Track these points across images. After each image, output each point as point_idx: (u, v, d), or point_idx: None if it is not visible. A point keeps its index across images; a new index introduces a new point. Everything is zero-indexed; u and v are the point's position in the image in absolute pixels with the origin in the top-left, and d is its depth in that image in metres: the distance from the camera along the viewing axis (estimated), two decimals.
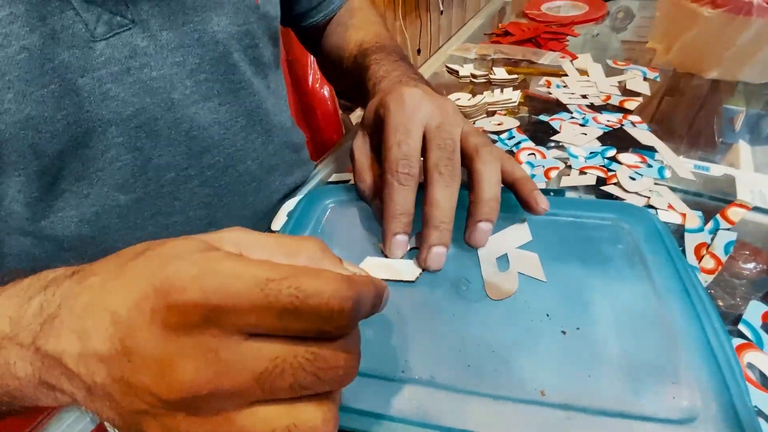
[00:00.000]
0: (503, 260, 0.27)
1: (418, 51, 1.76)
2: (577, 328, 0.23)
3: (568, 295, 0.25)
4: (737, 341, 0.25)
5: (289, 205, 0.37)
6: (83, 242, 0.34)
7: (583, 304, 0.24)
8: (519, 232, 0.28)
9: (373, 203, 0.31)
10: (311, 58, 0.85)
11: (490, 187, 0.25)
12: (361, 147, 0.30)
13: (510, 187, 0.28)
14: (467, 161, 0.27)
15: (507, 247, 0.28)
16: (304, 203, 0.33)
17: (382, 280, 0.19)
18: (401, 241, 0.26)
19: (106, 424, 0.16)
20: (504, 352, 0.22)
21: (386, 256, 0.27)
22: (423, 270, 0.26)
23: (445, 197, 0.25)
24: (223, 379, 0.13)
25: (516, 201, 0.29)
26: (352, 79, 0.42)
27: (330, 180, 0.44)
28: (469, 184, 0.27)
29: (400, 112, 0.26)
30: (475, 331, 0.23)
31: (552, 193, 0.31)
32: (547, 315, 0.24)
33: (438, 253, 0.25)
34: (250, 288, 0.13)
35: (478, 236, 0.26)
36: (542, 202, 0.27)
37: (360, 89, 0.38)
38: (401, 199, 0.25)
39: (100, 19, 0.28)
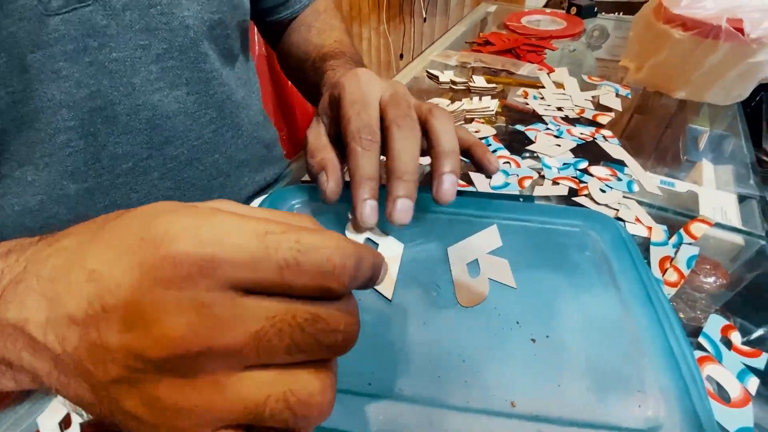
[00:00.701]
0: (474, 266, 0.27)
1: (401, 56, 1.77)
2: (547, 336, 0.23)
3: (538, 302, 0.25)
4: (697, 354, 0.26)
5: (254, 205, 0.36)
6: (25, 235, 0.31)
7: (552, 312, 0.24)
8: (489, 238, 0.28)
9: (324, 176, 0.28)
10: None
11: (449, 140, 0.25)
12: (314, 130, 0.29)
13: (464, 153, 0.28)
14: (423, 123, 0.26)
15: (478, 252, 0.27)
16: (268, 204, 0.31)
17: None
18: (372, 205, 0.25)
19: (70, 407, 0.14)
20: (474, 361, 0.22)
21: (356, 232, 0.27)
22: (392, 224, 0.25)
23: (405, 148, 0.24)
24: (216, 336, 0.12)
25: (486, 205, 0.29)
26: (307, 80, 0.42)
27: (304, 179, 0.42)
28: (428, 143, 0.26)
29: (355, 87, 0.26)
30: (446, 340, 0.23)
31: (521, 199, 0.31)
32: (518, 322, 0.23)
33: (404, 205, 0.24)
34: (248, 240, 0.12)
35: (445, 188, 0.24)
36: (494, 162, 0.28)
37: (314, 92, 0.38)
38: (366, 164, 0.24)
39: None
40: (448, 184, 0.25)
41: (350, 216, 0.27)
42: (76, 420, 0.22)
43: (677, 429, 0.19)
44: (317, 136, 0.29)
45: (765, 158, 0.82)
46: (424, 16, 1.61)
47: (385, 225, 0.28)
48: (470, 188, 0.37)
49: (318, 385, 0.13)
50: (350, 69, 0.36)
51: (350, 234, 0.27)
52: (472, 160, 0.28)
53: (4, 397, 0.24)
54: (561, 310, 0.24)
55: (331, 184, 0.26)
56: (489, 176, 0.27)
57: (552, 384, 0.20)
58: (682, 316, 0.30)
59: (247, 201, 0.42)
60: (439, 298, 0.25)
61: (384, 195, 0.25)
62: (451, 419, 0.19)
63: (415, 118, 0.25)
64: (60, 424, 0.22)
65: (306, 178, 0.42)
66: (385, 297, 0.25)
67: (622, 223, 0.35)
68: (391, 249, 0.27)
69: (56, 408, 0.22)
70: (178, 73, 0.33)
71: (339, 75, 0.34)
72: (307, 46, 0.44)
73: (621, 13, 0.92)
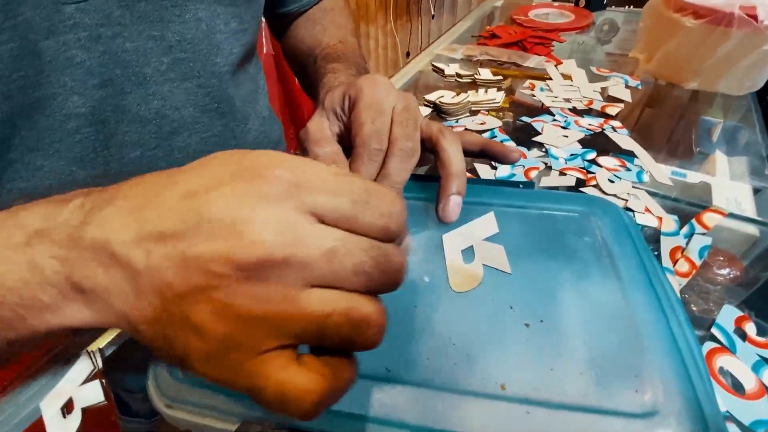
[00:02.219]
0: (469, 252, 0.26)
1: (407, 54, 1.77)
2: (541, 321, 0.22)
3: (534, 287, 0.24)
4: (710, 345, 0.25)
5: None
6: None
7: (548, 297, 0.23)
8: (486, 224, 0.28)
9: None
10: None
11: (457, 163, 0.26)
12: (317, 121, 0.29)
13: (480, 153, 0.29)
14: (432, 143, 0.27)
15: (473, 238, 0.27)
16: None
17: None
18: None
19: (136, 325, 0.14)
20: (465, 345, 0.21)
21: None
22: None
23: (398, 170, 0.25)
24: (297, 247, 0.13)
25: (482, 190, 0.29)
26: (308, 78, 0.42)
27: None
28: (437, 164, 0.27)
29: (374, 92, 0.27)
30: (436, 324, 0.22)
31: (521, 186, 0.31)
32: (511, 307, 0.23)
33: None
34: (328, 175, 0.15)
35: (450, 209, 0.26)
36: (514, 151, 0.28)
37: (313, 90, 0.39)
38: (366, 173, 0.26)
39: None
40: (454, 205, 0.26)
41: None
42: (78, 406, 0.22)
43: (676, 415, 0.18)
44: (321, 128, 0.28)
45: None
46: (433, 13, 1.60)
47: None
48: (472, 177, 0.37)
49: (375, 308, 0.15)
50: (353, 74, 0.36)
51: None
52: (490, 156, 0.29)
53: (8, 385, 0.24)
54: (557, 295, 0.23)
55: None
56: (512, 163, 0.28)
57: (544, 368, 0.20)
58: (694, 308, 0.29)
59: None
60: (432, 283, 0.25)
61: None
62: (438, 400, 0.19)
63: (417, 140, 0.26)
64: (62, 409, 0.22)
65: None
66: None
67: (631, 213, 0.34)
68: None
69: (59, 393, 0.23)
70: (189, 66, 0.33)
71: (341, 79, 0.35)
72: (312, 43, 0.44)
73: (631, 6, 0.91)
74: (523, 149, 0.42)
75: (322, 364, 0.14)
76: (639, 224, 0.33)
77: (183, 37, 0.32)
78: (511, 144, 0.43)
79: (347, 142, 0.27)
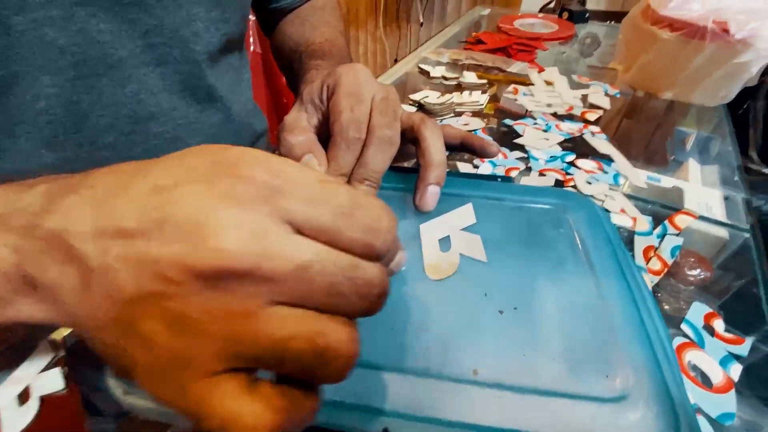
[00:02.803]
0: (445, 241, 0.27)
1: (395, 60, 1.78)
2: (515, 308, 0.22)
3: (508, 276, 0.24)
4: (679, 340, 0.26)
5: None
6: None
7: (522, 286, 0.24)
8: (464, 214, 0.28)
9: (310, 160, 0.28)
10: None
11: (437, 153, 0.26)
12: (294, 113, 0.29)
13: (460, 146, 0.29)
14: (413, 132, 0.27)
15: (450, 228, 0.27)
16: None
17: None
18: None
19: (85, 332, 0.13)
20: (439, 331, 0.21)
21: None
22: None
23: (376, 159, 0.25)
24: (265, 258, 0.12)
25: (461, 183, 0.30)
26: (292, 74, 0.42)
27: None
28: (417, 153, 0.27)
29: (352, 81, 0.26)
30: (411, 311, 0.22)
31: (499, 179, 0.32)
32: (486, 295, 0.23)
33: None
34: (311, 181, 0.13)
35: (427, 199, 0.26)
36: (493, 145, 0.28)
37: (295, 85, 0.39)
38: (344, 161, 0.25)
39: None
40: (431, 195, 0.26)
41: None
42: (36, 394, 0.21)
43: (645, 399, 0.18)
44: (297, 118, 0.28)
45: (751, 166, 0.83)
46: (421, 21, 1.62)
47: None
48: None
49: (345, 336, 0.13)
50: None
51: None
52: (470, 150, 0.29)
53: None
54: (531, 284, 0.24)
55: (320, 168, 0.26)
56: (491, 157, 0.29)
57: (517, 354, 0.20)
58: (666, 307, 0.29)
59: None
60: (408, 271, 0.25)
61: None
62: (411, 385, 0.19)
63: (397, 129, 0.26)
64: (18, 397, 0.21)
65: None
66: None
67: (607, 213, 0.35)
68: None
69: (15, 380, 0.21)
70: (166, 51, 0.32)
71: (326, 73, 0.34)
72: (298, 40, 0.44)
73: (612, 22, 0.94)
74: (505, 150, 0.43)
75: (279, 394, 0.13)
76: (615, 224, 0.34)
77: (161, 22, 0.31)
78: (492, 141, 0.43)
79: (326, 133, 0.26)
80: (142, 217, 0.13)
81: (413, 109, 0.50)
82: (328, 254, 0.13)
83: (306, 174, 0.13)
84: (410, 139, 0.27)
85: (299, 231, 0.13)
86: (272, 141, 0.50)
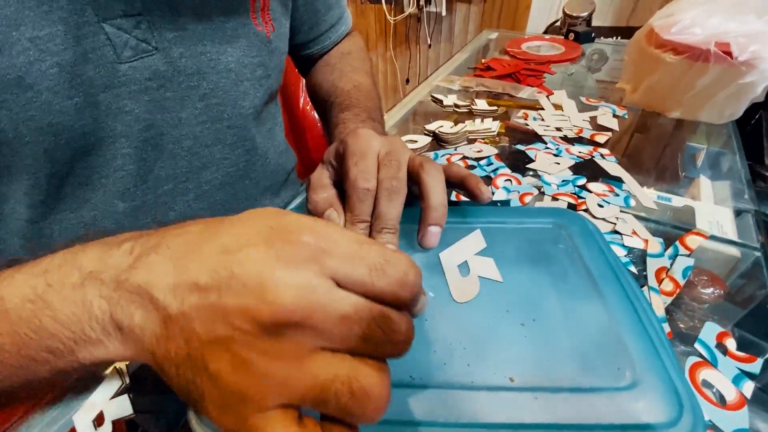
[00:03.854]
0: (464, 267, 0.29)
1: (407, 81, 1.83)
2: (534, 320, 0.25)
3: (523, 291, 0.27)
4: (692, 359, 0.27)
5: None
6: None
7: (536, 299, 0.27)
8: (474, 241, 0.31)
9: (332, 215, 0.32)
10: (303, 84, 0.87)
11: (436, 195, 0.29)
12: (318, 172, 0.33)
13: (459, 185, 0.32)
14: (415, 177, 0.30)
15: (466, 255, 0.30)
16: None
17: None
18: None
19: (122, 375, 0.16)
20: (474, 347, 0.24)
21: None
22: None
23: (388, 209, 0.28)
24: (314, 311, 0.14)
25: (469, 212, 0.33)
26: (326, 121, 0.47)
27: None
28: (419, 196, 0.30)
29: (357, 143, 0.30)
30: (447, 332, 0.25)
31: (499, 204, 0.34)
32: (507, 311, 0.26)
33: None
34: (350, 242, 0.16)
35: (428, 238, 0.29)
36: (486, 191, 0.31)
37: (328, 134, 0.43)
38: (358, 210, 0.29)
39: (127, 45, 0.30)
40: (431, 235, 0.29)
41: None
42: (109, 418, 0.24)
43: (652, 384, 0.21)
44: (320, 177, 0.32)
45: (766, 174, 0.82)
46: (429, 42, 1.67)
47: None
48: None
49: (378, 379, 0.15)
50: (362, 120, 0.40)
51: None
52: (465, 190, 0.32)
53: (41, 400, 0.26)
54: (543, 297, 0.27)
55: (340, 220, 0.30)
56: (482, 203, 0.31)
57: (543, 359, 0.23)
58: (681, 325, 0.31)
59: None
60: (437, 297, 0.27)
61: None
62: (459, 398, 0.21)
63: (403, 178, 0.29)
64: (93, 421, 0.24)
65: None
66: None
67: (619, 236, 0.36)
68: None
69: (90, 406, 0.24)
70: (220, 110, 0.36)
71: (350, 128, 0.39)
72: (329, 88, 0.48)
73: (619, 38, 0.96)
74: (518, 176, 0.45)
75: (320, 429, 0.15)
76: (627, 246, 0.36)
77: (216, 86, 0.35)
78: (506, 171, 0.46)
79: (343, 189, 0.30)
80: (213, 274, 0.15)
81: (428, 138, 0.53)
82: (364, 306, 0.15)
83: (346, 236, 0.16)
84: (414, 181, 0.30)
85: (340, 284, 0.15)
86: (298, 169, 0.54)
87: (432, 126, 0.54)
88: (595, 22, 0.93)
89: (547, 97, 0.61)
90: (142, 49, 0.31)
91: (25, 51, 0.26)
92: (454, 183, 0.32)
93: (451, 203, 0.30)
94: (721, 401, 0.25)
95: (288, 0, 0.42)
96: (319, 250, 0.15)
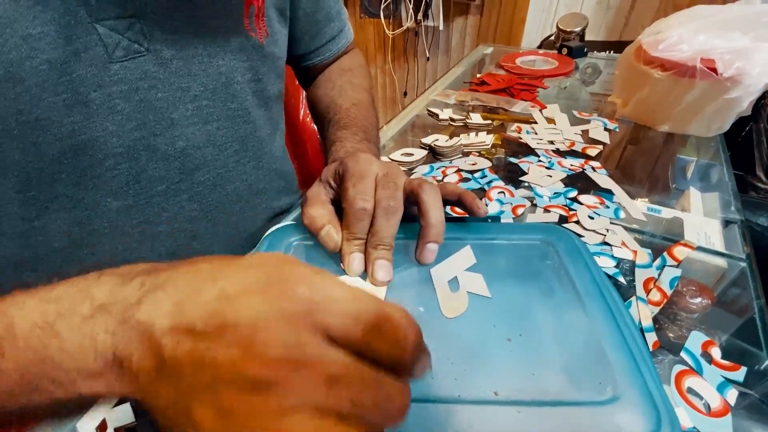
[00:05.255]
0: (454, 282, 0.30)
1: (405, 93, 1.86)
2: (520, 335, 0.26)
3: (510, 307, 0.28)
4: (678, 367, 0.28)
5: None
6: (72, 243, 0.35)
7: (523, 314, 0.27)
8: (464, 257, 0.32)
9: (320, 233, 0.32)
10: (303, 95, 0.89)
11: (434, 214, 0.30)
12: (315, 189, 0.34)
13: (456, 202, 0.33)
14: (414, 197, 0.31)
15: (456, 270, 0.31)
16: (268, 242, 0.35)
17: None
18: (357, 257, 0.31)
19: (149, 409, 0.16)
20: (461, 361, 0.25)
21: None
22: (371, 282, 0.30)
23: (384, 226, 0.30)
24: (300, 369, 0.14)
25: (461, 229, 0.34)
26: (323, 136, 0.49)
27: None
28: (418, 214, 0.31)
29: (355, 165, 0.32)
30: (435, 347, 0.25)
31: (489, 220, 0.36)
32: (494, 326, 0.27)
33: (381, 265, 0.30)
34: (346, 297, 0.16)
35: (426, 254, 0.31)
36: (482, 207, 0.33)
37: (324, 149, 0.45)
38: (355, 228, 0.30)
39: (119, 45, 0.31)
40: (429, 252, 0.31)
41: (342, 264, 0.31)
42: (112, 426, 0.25)
43: (632, 398, 0.22)
44: (317, 193, 0.34)
45: (759, 184, 0.84)
46: (428, 56, 1.70)
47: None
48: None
49: None
50: (359, 140, 0.42)
51: (346, 277, 0.31)
52: (463, 207, 0.33)
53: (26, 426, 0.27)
54: (530, 312, 0.28)
55: (338, 237, 0.32)
56: (479, 217, 0.33)
57: (527, 374, 0.24)
58: (670, 334, 0.32)
59: (264, 225, 0.46)
60: (426, 312, 0.28)
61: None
62: (445, 412, 0.22)
63: (399, 198, 0.30)
64: (97, 429, 0.25)
65: None
66: None
67: (609, 247, 0.37)
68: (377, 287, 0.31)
69: (94, 414, 0.25)
70: (210, 111, 0.38)
71: (347, 148, 0.40)
72: (328, 104, 0.50)
73: (611, 52, 0.98)
74: (511, 188, 0.46)
75: None
76: (617, 257, 0.37)
77: (206, 87, 0.37)
78: (500, 183, 0.47)
79: (340, 208, 0.32)
80: (208, 320, 0.15)
81: (424, 152, 0.54)
82: (355, 369, 0.15)
83: (343, 291, 0.16)
84: (412, 201, 0.31)
85: (334, 340, 0.15)
86: (298, 179, 0.55)
87: (428, 139, 0.55)
88: (588, 36, 0.95)
89: (540, 111, 0.62)
90: (134, 50, 0.32)
91: (17, 48, 0.27)
92: (450, 200, 0.33)
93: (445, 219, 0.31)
94: (706, 408, 0.26)
95: (286, 9, 0.44)
96: (314, 304, 0.15)
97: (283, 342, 0.15)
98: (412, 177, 0.33)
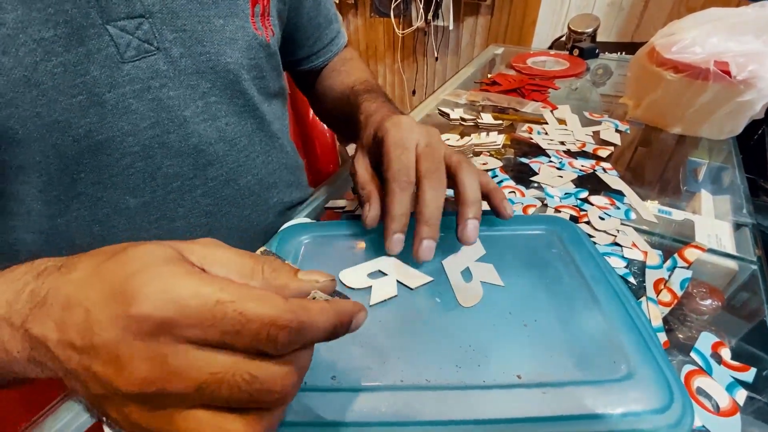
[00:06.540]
0: (466, 273, 0.31)
1: (413, 92, 1.86)
2: (535, 320, 0.27)
3: (523, 294, 0.29)
4: (688, 367, 0.28)
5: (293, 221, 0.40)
6: (93, 240, 0.36)
7: (535, 300, 0.28)
8: (474, 248, 0.33)
9: (368, 206, 0.33)
10: None
11: (473, 191, 0.30)
12: (361, 162, 0.35)
13: (485, 196, 0.33)
14: (452, 174, 0.31)
15: (467, 261, 0.32)
16: (278, 240, 0.36)
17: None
18: (399, 238, 0.31)
19: (82, 401, 0.18)
20: (482, 348, 0.25)
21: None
22: (416, 261, 0.30)
23: (433, 198, 0.29)
24: (168, 382, 0.15)
25: None
26: (343, 115, 0.48)
27: (327, 206, 0.47)
28: (455, 192, 0.31)
29: (397, 132, 0.31)
30: (456, 335, 0.26)
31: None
32: (510, 312, 0.28)
33: (428, 246, 0.29)
34: (200, 306, 0.15)
35: (468, 231, 0.30)
36: (509, 209, 0.33)
37: (350, 122, 0.44)
38: (401, 203, 0.30)
39: (130, 45, 0.32)
40: (471, 228, 0.30)
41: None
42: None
43: (645, 374, 0.23)
44: (365, 168, 0.34)
45: None
46: (436, 55, 1.70)
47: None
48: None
49: (242, 429, 0.16)
50: (384, 103, 0.42)
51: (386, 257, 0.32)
52: (490, 203, 0.33)
53: (65, 396, 0.27)
54: (542, 298, 0.29)
55: (372, 212, 0.32)
56: (502, 219, 0.33)
57: (546, 356, 0.25)
58: (680, 336, 0.32)
59: (276, 218, 0.47)
60: (443, 303, 0.29)
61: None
62: (472, 397, 0.23)
63: (443, 171, 0.30)
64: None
65: (329, 204, 0.47)
66: (394, 299, 0.30)
67: (619, 248, 0.38)
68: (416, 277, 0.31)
69: None
70: (219, 107, 0.39)
71: (376, 111, 0.39)
72: (341, 87, 0.51)
73: (623, 53, 0.98)
74: (522, 188, 0.46)
75: None
76: (627, 258, 0.37)
77: (214, 84, 0.38)
78: (510, 183, 0.47)
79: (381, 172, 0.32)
80: (81, 339, 0.16)
81: None
82: (226, 370, 0.15)
83: (197, 299, 0.15)
84: (448, 175, 0.31)
85: (201, 345, 0.15)
86: (308, 176, 0.56)
87: None
88: (599, 38, 0.95)
89: (551, 111, 0.62)
90: (144, 50, 0.32)
91: (32, 52, 0.28)
92: (481, 192, 0.32)
93: (447, 213, 0.31)
94: (715, 408, 0.26)
95: (284, 13, 0.45)
96: (166, 320, 0.15)
97: (146, 358, 0.15)
98: (453, 152, 0.32)
